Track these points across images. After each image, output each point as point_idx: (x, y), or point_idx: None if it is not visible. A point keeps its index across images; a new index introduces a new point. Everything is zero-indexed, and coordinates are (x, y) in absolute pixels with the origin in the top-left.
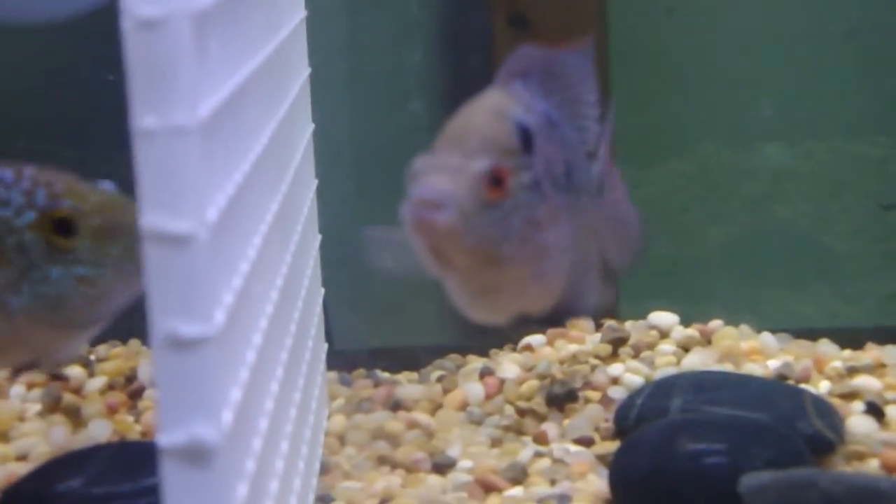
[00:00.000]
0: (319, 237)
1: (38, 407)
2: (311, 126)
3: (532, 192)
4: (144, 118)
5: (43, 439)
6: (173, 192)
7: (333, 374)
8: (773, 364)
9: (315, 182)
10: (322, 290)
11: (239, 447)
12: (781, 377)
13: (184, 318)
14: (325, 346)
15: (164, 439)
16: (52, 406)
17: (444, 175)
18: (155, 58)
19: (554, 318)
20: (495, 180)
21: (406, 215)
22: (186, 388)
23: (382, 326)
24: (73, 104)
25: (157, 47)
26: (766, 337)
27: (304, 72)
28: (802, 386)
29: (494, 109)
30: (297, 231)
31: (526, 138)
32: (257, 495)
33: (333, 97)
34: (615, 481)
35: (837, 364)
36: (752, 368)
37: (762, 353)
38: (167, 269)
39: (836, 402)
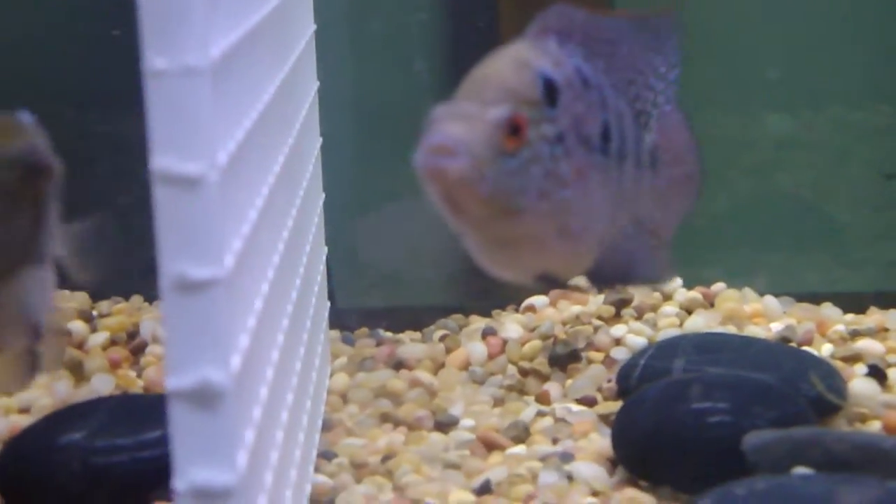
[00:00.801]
0: (323, 195)
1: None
2: (317, 84)
3: (554, 146)
4: (156, 59)
5: (46, 392)
6: (184, 133)
7: (336, 334)
8: (776, 327)
9: (319, 140)
10: (325, 249)
11: (246, 393)
12: (784, 340)
13: (193, 261)
14: (328, 304)
15: (172, 382)
16: None
17: (459, 122)
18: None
19: (602, 284)
20: (513, 128)
21: (418, 162)
22: (195, 331)
23: (385, 286)
24: (74, 59)
25: None
26: (769, 300)
27: (310, 28)
28: (805, 349)
29: (517, 59)
30: (301, 187)
31: (550, 91)
32: (263, 443)
33: (338, 57)
34: (618, 439)
35: (840, 327)
36: (755, 331)
37: (765, 316)
38: (177, 211)
39: (838, 364)
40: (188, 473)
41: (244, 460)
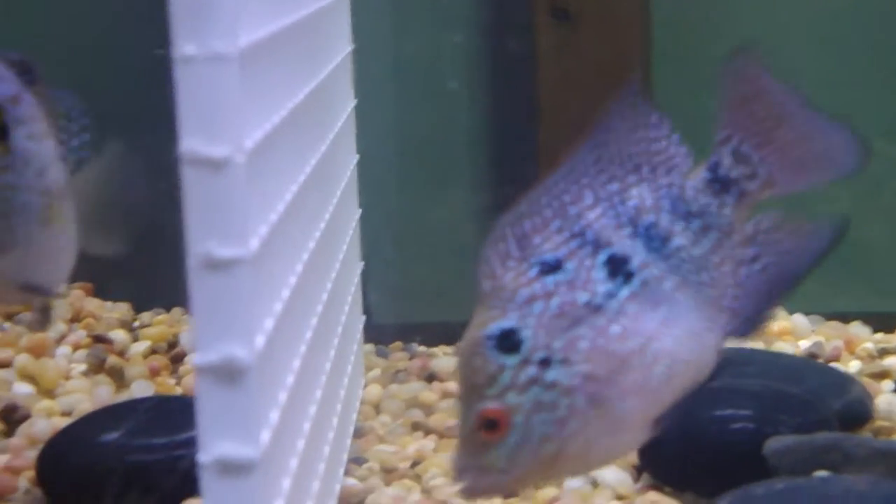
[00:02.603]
0: (359, 211)
1: (83, 367)
2: (353, 101)
3: (542, 385)
4: (185, 45)
5: (87, 397)
6: (211, 117)
7: (370, 347)
8: (804, 344)
9: (356, 157)
10: (360, 264)
11: (271, 375)
12: (812, 356)
13: (219, 241)
14: (363, 318)
15: (198, 358)
16: (97, 367)
17: (462, 448)
18: None
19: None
20: (488, 425)
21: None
22: (221, 308)
23: (420, 302)
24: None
25: None
26: (798, 318)
27: (347, 47)
28: (832, 365)
29: (466, 347)
30: (335, 196)
31: (508, 343)
32: (288, 428)
33: (376, 77)
34: (643, 446)
35: (868, 345)
36: (783, 348)
37: (793, 334)
38: (203, 192)
39: (865, 381)
40: (213, 447)
41: (267, 438)
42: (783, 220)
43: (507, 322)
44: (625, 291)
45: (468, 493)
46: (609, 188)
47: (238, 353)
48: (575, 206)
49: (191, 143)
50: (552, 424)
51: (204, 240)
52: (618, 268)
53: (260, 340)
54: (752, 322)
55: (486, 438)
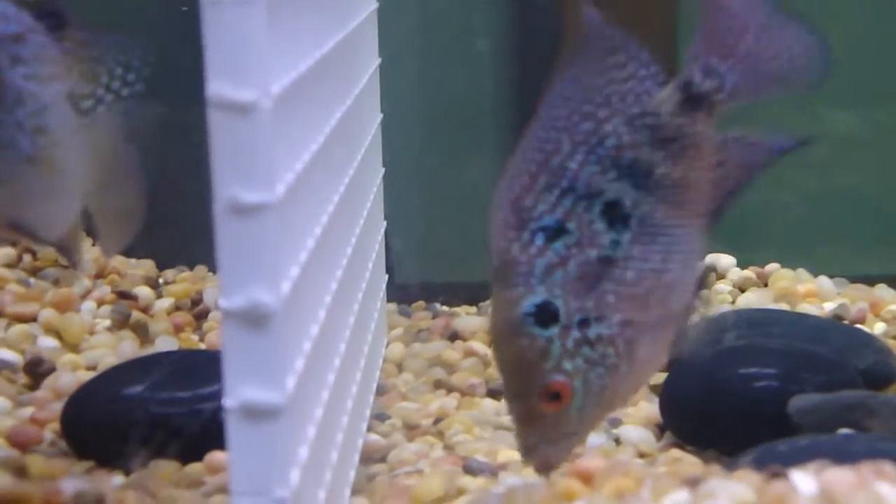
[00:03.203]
0: (382, 170)
1: (107, 322)
2: (378, 60)
3: (589, 344)
4: None
5: (112, 352)
6: (239, 61)
7: (393, 306)
8: (829, 306)
9: (379, 117)
10: (384, 223)
11: (296, 322)
12: (837, 318)
13: (245, 186)
14: (385, 277)
15: (224, 303)
16: (121, 322)
17: (526, 427)
18: None
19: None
20: (552, 398)
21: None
22: (247, 253)
23: (443, 263)
24: None
25: None
26: (823, 280)
27: (373, 3)
28: (857, 326)
29: (506, 329)
30: (360, 152)
31: (545, 316)
32: (313, 377)
33: (401, 35)
34: (665, 403)
35: (893, 307)
36: (808, 309)
37: (818, 296)
38: (230, 137)
39: (891, 343)
40: (238, 391)
41: (292, 384)
42: (748, 131)
43: (538, 297)
44: (626, 236)
45: (543, 467)
46: (583, 128)
47: (264, 298)
48: (556, 156)
49: (218, 86)
50: (606, 374)
51: (230, 185)
52: (614, 214)
53: (286, 286)
54: (716, 217)
55: (551, 410)
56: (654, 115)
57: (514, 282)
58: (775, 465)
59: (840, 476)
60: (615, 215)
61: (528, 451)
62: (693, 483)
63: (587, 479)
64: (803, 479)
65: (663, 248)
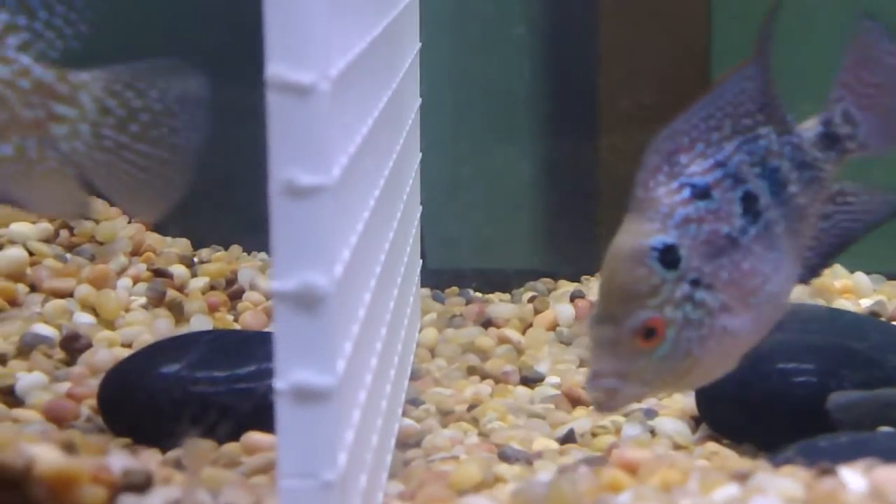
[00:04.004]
0: (420, 155)
1: (142, 300)
2: (418, 44)
3: (694, 296)
4: None
5: (147, 329)
6: (299, 43)
7: (426, 291)
8: (866, 302)
9: (418, 101)
10: (420, 208)
11: (346, 306)
12: (874, 314)
13: (303, 168)
14: (420, 262)
15: (277, 285)
16: (157, 300)
17: (605, 353)
18: None
19: None
20: (647, 333)
21: (589, 390)
22: (302, 236)
23: (477, 249)
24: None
25: None
26: (860, 277)
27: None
28: (895, 323)
29: (629, 254)
30: (402, 135)
31: (668, 258)
32: (360, 361)
33: (438, 20)
34: (701, 397)
35: None
36: (844, 305)
37: (854, 293)
38: (288, 118)
39: None
40: (289, 374)
41: (342, 368)
42: (861, 188)
43: (669, 238)
44: (753, 230)
45: (604, 401)
46: (744, 122)
47: (318, 280)
48: (717, 133)
49: (277, 68)
50: (694, 342)
51: (287, 166)
52: (750, 205)
53: (338, 269)
54: (813, 271)
55: (641, 346)
56: (798, 137)
57: (650, 217)
58: (823, 462)
59: (889, 474)
60: (750, 207)
61: (596, 380)
62: (741, 478)
63: (632, 469)
64: (853, 477)
65: (775, 261)
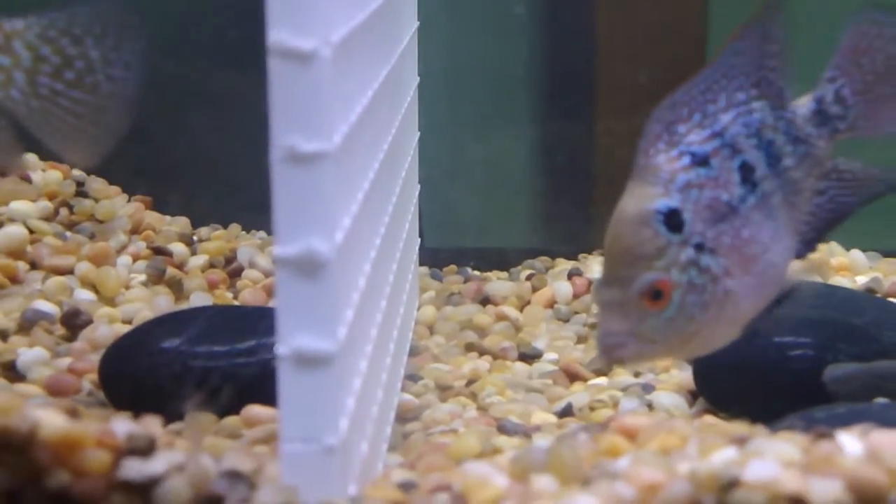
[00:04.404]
0: (418, 134)
1: (142, 277)
2: (416, 23)
3: (699, 260)
4: None
5: (147, 306)
6: (301, 10)
7: (425, 270)
8: (862, 279)
9: (416, 79)
10: (418, 186)
11: (347, 273)
12: (870, 291)
13: (304, 134)
14: (419, 240)
15: (279, 251)
16: (156, 278)
17: (613, 314)
18: None
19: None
20: (654, 295)
21: (599, 348)
22: (303, 202)
23: (475, 228)
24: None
25: None
26: (856, 254)
27: None
28: (891, 300)
29: (634, 217)
30: (400, 112)
31: (673, 219)
32: (360, 329)
33: (435, 1)
34: (699, 369)
35: None
36: (840, 282)
37: (851, 270)
38: (289, 85)
39: None
40: (291, 339)
41: (343, 334)
42: (855, 164)
43: (673, 202)
44: (752, 199)
45: (612, 352)
46: (738, 96)
47: (319, 246)
48: (713, 105)
49: (279, 34)
50: (698, 307)
51: (288, 133)
52: (747, 175)
53: (339, 236)
54: (808, 246)
55: (648, 307)
56: (792, 112)
57: (653, 182)
58: (820, 428)
59: (887, 438)
60: (748, 176)
61: (605, 338)
62: (740, 442)
63: (631, 436)
64: (849, 441)
65: (773, 231)
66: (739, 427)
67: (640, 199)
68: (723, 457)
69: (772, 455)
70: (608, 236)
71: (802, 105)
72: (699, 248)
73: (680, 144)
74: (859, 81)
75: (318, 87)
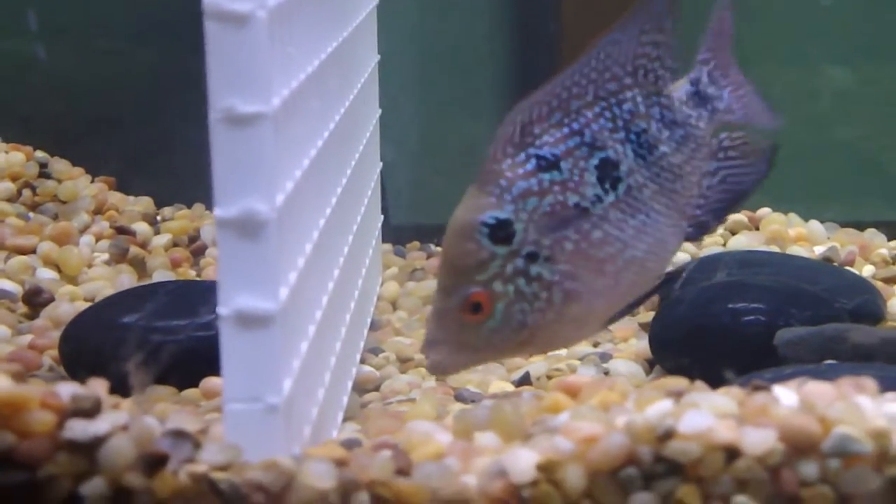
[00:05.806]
0: (379, 111)
1: (105, 256)
2: (375, 1)
3: (528, 270)
4: None
5: (109, 284)
6: None
7: (388, 247)
8: (819, 249)
9: (377, 58)
10: (380, 164)
11: (290, 235)
12: (827, 260)
13: (241, 96)
14: (381, 217)
15: (219, 212)
16: (119, 256)
17: (437, 323)
18: None
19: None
20: (472, 308)
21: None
22: (243, 163)
23: (437, 204)
24: None
25: None
26: (814, 224)
27: None
28: (847, 268)
29: (460, 230)
30: (355, 87)
31: (501, 233)
32: (306, 294)
33: None
34: (655, 337)
35: (883, 251)
36: (798, 252)
37: (809, 240)
38: (226, 47)
39: (879, 284)
40: (232, 299)
41: (285, 295)
42: (742, 140)
43: (503, 213)
44: (611, 197)
45: (436, 366)
46: (608, 87)
47: (258, 207)
48: (578, 100)
49: None
50: (529, 314)
51: (226, 95)
52: (607, 172)
53: (279, 198)
54: (703, 228)
55: (467, 320)
56: (668, 97)
57: (489, 190)
58: (758, 381)
59: (820, 389)
60: (608, 174)
61: (430, 346)
62: (677, 395)
63: (573, 393)
64: (784, 393)
65: (639, 225)
66: (679, 382)
67: (470, 211)
68: (659, 409)
69: (707, 407)
70: (442, 245)
71: (678, 88)
72: (531, 257)
73: (529, 147)
74: (725, 65)
75: (255, 50)
